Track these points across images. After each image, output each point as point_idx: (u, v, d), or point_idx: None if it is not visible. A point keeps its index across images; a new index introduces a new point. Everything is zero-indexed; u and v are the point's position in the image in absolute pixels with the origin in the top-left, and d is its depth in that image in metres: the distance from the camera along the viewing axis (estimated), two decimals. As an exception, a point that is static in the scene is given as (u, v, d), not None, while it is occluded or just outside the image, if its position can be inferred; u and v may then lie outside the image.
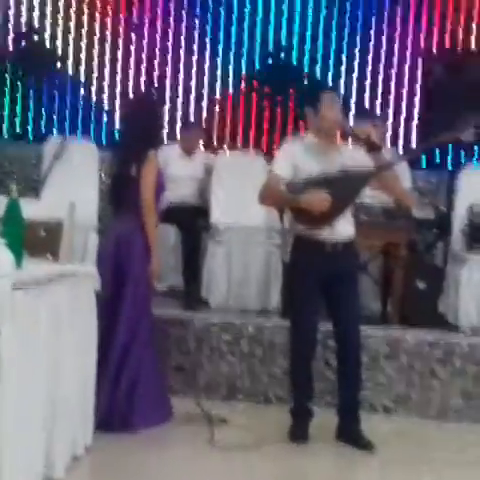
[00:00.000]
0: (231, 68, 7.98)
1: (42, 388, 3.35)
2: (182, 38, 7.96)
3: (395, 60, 7.96)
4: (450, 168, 7.35)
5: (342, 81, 7.91)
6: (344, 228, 4.63)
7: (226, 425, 4.83)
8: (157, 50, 7.99)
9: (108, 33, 8.00)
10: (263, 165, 7.02)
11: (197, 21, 7.96)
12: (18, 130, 8.01)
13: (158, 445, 4.45)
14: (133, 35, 8.00)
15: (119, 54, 8.01)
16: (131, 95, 7.83)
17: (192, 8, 7.94)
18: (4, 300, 2.99)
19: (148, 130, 4.87)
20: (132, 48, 8.01)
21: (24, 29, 7.98)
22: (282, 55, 7.95)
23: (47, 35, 7.98)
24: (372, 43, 7.94)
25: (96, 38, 7.99)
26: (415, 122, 7.89)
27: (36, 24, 7.97)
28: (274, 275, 6.31)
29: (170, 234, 6.77)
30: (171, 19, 7.98)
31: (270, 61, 7.96)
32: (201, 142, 7.27)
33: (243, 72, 7.99)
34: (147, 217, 4.76)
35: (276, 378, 5.47)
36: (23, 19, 8.01)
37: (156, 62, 8.01)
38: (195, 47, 8.00)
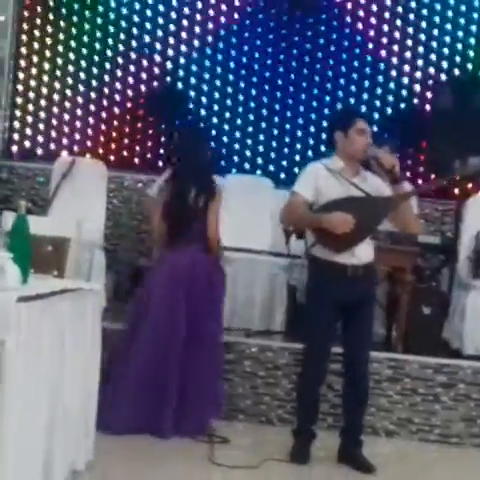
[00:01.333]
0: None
1: (44, 400, 3.35)
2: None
3: (404, 92, 8.02)
4: (457, 196, 7.37)
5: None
6: (365, 252, 4.59)
7: (227, 444, 4.84)
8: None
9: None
10: (270, 188, 7.08)
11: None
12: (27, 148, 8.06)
13: (158, 461, 4.45)
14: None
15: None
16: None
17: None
18: (9, 312, 3.02)
19: (208, 163, 5.08)
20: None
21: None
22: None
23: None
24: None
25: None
26: (422, 152, 7.94)
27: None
28: (279, 297, 6.32)
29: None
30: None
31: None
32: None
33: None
34: (216, 247, 4.99)
35: (278, 399, 5.48)
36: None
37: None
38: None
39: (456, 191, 7.53)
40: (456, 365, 5.60)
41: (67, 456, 3.68)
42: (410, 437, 5.50)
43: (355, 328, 4.61)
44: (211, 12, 8.03)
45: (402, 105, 8.01)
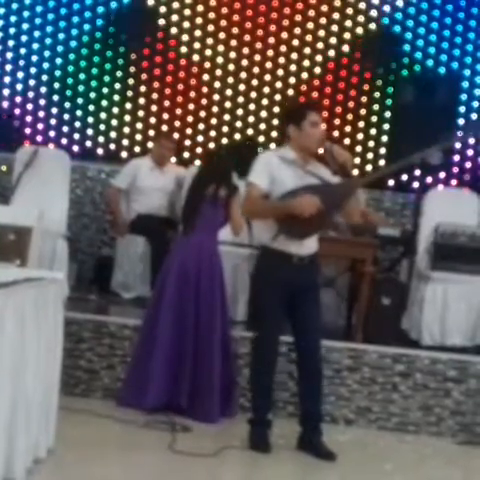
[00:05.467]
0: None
1: (5, 388, 3.38)
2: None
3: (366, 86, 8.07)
4: (417, 189, 7.46)
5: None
6: (311, 242, 4.69)
7: (189, 433, 4.87)
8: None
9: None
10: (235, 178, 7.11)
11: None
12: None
13: (120, 450, 4.49)
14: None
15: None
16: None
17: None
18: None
19: (229, 165, 5.60)
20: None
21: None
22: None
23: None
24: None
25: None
26: (383, 145, 8.01)
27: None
28: (241, 287, 6.36)
29: (138, 244, 6.83)
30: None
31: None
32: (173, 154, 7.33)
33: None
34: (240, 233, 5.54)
35: (240, 388, 5.50)
36: None
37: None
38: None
39: (416, 184, 7.63)
40: (414, 355, 5.69)
41: (29, 443, 3.70)
42: (368, 425, 5.58)
43: (304, 316, 4.68)
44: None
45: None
